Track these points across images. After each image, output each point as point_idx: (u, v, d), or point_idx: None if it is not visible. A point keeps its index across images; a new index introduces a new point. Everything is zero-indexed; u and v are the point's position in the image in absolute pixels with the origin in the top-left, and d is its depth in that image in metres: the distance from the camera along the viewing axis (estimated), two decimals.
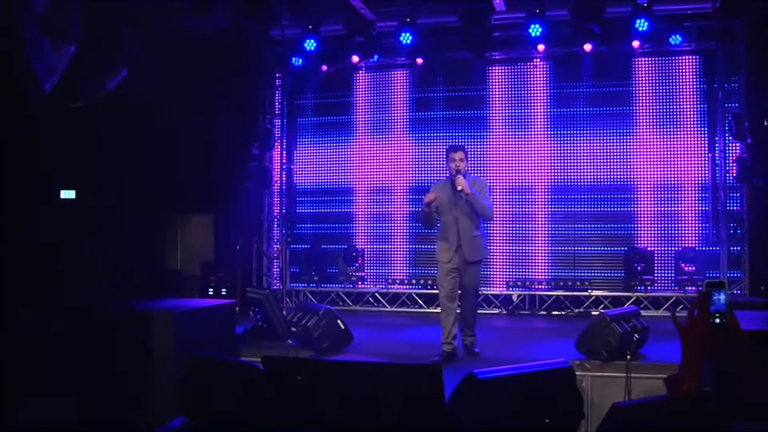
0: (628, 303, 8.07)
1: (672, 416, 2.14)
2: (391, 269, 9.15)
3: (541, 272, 8.70)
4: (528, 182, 8.77)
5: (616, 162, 8.54)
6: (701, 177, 8.33)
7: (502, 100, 8.92)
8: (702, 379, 2.06)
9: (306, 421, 2.95)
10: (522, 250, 8.77)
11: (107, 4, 6.60)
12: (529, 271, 8.73)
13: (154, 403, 4.98)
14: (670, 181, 8.40)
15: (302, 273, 9.36)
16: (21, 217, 6.12)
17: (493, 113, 8.94)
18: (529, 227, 8.76)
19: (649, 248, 8.35)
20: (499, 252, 8.77)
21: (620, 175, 8.53)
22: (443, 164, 7.63)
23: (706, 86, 8.36)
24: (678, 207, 8.39)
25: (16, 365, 5.08)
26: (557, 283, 8.57)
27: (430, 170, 9.01)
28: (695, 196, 8.35)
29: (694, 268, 8.09)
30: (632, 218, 8.50)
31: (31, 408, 4.96)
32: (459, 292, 6.07)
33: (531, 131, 8.81)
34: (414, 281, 8.95)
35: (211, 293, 8.55)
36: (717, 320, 2.14)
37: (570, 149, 8.66)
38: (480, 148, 8.85)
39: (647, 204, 8.47)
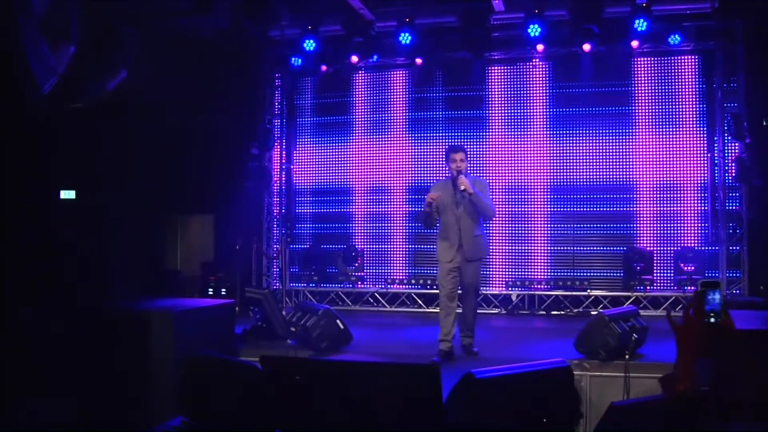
0: (628, 303, 8.07)
1: (670, 416, 2.14)
2: (390, 269, 9.16)
3: (541, 272, 8.71)
4: (527, 182, 8.78)
5: (615, 162, 8.55)
6: (700, 177, 8.33)
7: (501, 100, 8.92)
8: (696, 378, 2.07)
9: (304, 420, 2.96)
10: (521, 250, 8.78)
11: (107, 4, 6.60)
12: (528, 271, 8.74)
13: (154, 402, 4.99)
14: (670, 181, 8.40)
15: (302, 273, 9.37)
16: (21, 217, 6.12)
17: (492, 113, 8.95)
18: (528, 227, 8.77)
19: (648, 248, 8.36)
20: (499, 252, 8.78)
21: (619, 175, 8.54)
22: (442, 164, 7.65)
23: (705, 86, 8.37)
24: (677, 207, 8.40)
25: (16, 365, 5.08)
26: (556, 282, 8.58)
27: (430, 170, 9.02)
28: (694, 196, 8.36)
29: (693, 268, 8.09)
30: (631, 218, 8.51)
31: (31, 408, 4.97)
32: (459, 291, 6.10)
33: (530, 131, 8.82)
34: (413, 281, 8.97)
35: (210, 293, 8.56)
36: (712, 320, 2.15)
37: (569, 149, 8.66)
38: (479, 148, 8.85)
39: (646, 204, 8.47)
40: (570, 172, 8.65)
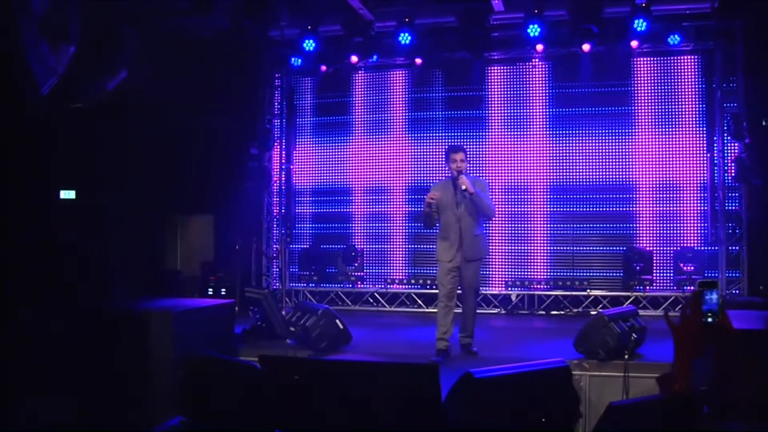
0: (627, 303, 8.08)
1: (667, 415, 2.15)
2: (389, 269, 9.17)
3: (540, 272, 8.72)
4: (527, 182, 8.78)
5: (615, 162, 8.55)
6: (700, 177, 8.34)
7: (500, 100, 8.93)
8: (693, 378, 2.08)
9: (303, 420, 2.97)
10: (521, 250, 8.78)
11: (107, 4, 6.61)
12: (528, 271, 8.74)
13: (153, 402, 5.00)
14: (669, 181, 8.41)
15: (301, 273, 9.38)
16: (21, 217, 6.13)
17: (491, 113, 8.95)
18: (528, 227, 8.77)
19: (647, 248, 8.36)
20: (498, 252, 8.78)
21: (619, 175, 8.54)
22: (442, 164, 7.66)
23: (704, 86, 8.37)
24: (677, 207, 8.40)
25: (16, 365, 5.09)
26: (556, 282, 8.58)
27: (429, 170, 9.02)
28: (694, 196, 8.36)
29: (692, 268, 8.10)
30: (631, 218, 8.51)
31: (31, 408, 4.97)
32: (459, 291, 6.11)
33: (530, 131, 8.82)
34: (413, 281, 8.97)
35: (210, 293, 8.57)
36: (709, 320, 2.16)
37: (568, 149, 8.67)
38: (479, 148, 8.86)
39: (646, 204, 8.48)
40: (569, 172, 8.66)
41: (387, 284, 9.09)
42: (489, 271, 8.70)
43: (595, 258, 8.55)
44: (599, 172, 8.59)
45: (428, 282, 8.74)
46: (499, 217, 8.53)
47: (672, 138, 8.42)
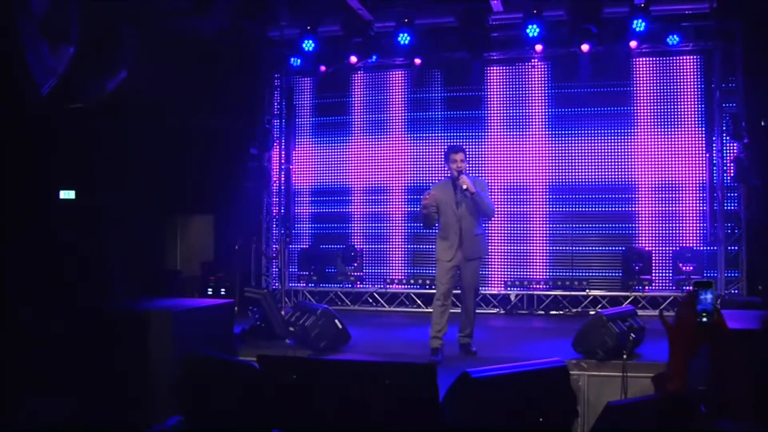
0: (626, 303, 8.09)
1: (662, 415, 2.16)
2: (389, 269, 9.18)
3: (539, 272, 8.73)
4: (526, 182, 8.79)
5: (614, 162, 8.56)
6: (699, 177, 8.35)
7: (500, 101, 8.94)
8: (688, 377, 2.09)
9: (301, 419, 2.98)
10: (520, 249, 8.79)
11: (107, 4, 6.62)
12: (527, 271, 8.76)
13: (153, 401, 5.01)
14: (668, 181, 8.42)
15: (301, 273, 9.39)
16: (21, 217, 6.14)
17: (491, 113, 8.96)
18: (527, 227, 8.78)
19: (646, 248, 8.37)
20: (498, 252, 8.79)
21: (618, 175, 8.55)
22: (441, 164, 7.67)
23: (703, 86, 8.38)
24: (676, 207, 8.41)
25: (16, 365, 5.10)
26: (555, 282, 8.59)
27: (428, 170, 9.04)
28: (693, 196, 8.38)
29: (691, 268, 8.11)
30: (630, 218, 8.52)
31: (31, 408, 4.98)
32: (458, 291, 6.13)
33: (529, 131, 8.83)
34: (412, 281, 8.98)
35: (210, 293, 8.58)
36: (704, 319, 2.17)
37: (568, 149, 8.68)
38: (478, 148, 8.87)
39: (645, 204, 8.49)
40: (568, 172, 8.67)
41: (386, 284, 9.10)
42: (488, 271, 8.71)
43: (594, 258, 8.57)
44: (598, 172, 8.60)
45: (427, 282, 8.76)
46: (498, 217, 8.54)
47: (671, 138, 8.43)
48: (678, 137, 8.42)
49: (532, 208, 8.79)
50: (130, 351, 5.12)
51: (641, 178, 8.49)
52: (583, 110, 8.63)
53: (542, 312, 8.53)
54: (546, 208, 8.75)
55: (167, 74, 7.58)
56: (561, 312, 8.48)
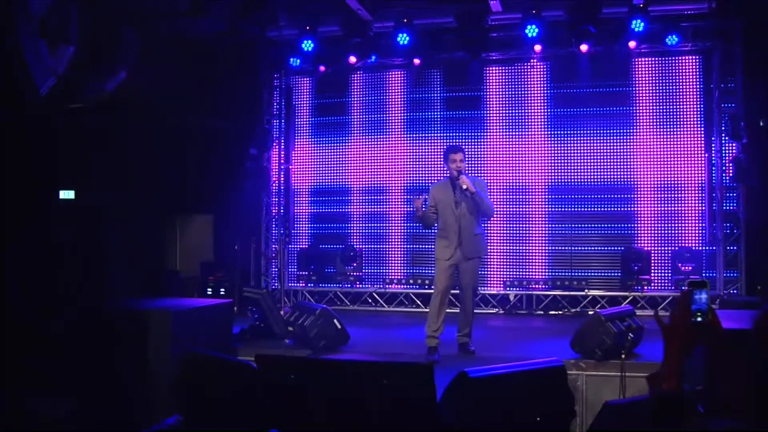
0: (625, 303, 8.09)
1: (656, 414, 2.17)
2: (388, 269, 9.19)
3: (539, 272, 8.74)
4: (525, 182, 8.80)
5: (613, 162, 8.57)
6: (698, 177, 8.35)
7: (499, 101, 8.95)
8: (687, 377, 2.10)
9: (298, 419, 2.98)
10: (519, 249, 8.80)
11: (107, 4, 6.63)
12: (526, 271, 8.76)
13: (152, 401, 5.02)
14: (668, 181, 8.43)
15: (300, 273, 9.40)
16: (20, 218, 6.15)
17: (490, 113, 8.97)
18: (526, 227, 8.79)
19: (646, 248, 8.38)
20: (497, 252, 8.80)
21: (617, 175, 8.56)
22: (440, 164, 7.68)
23: (702, 86, 8.39)
24: (675, 207, 8.42)
25: (15, 365, 5.11)
26: (554, 282, 8.60)
27: (427, 170, 9.04)
28: (692, 196, 8.38)
29: (690, 268, 8.12)
30: (629, 218, 8.53)
31: (31, 408, 4.99)
32: (457, 291, 6.13)
33: (528, 131, 8.84)
34: (411, 281, 8.99)
35: (209, 293, 8.59)
36: (698, 319, 2.18)
37: (567, 149, 8.69)
38: (477, 148, 8.88)
39: (644, 204, 8.50)
40: (568, 172, 8.68)
41: (385, 284, 9.11)
42: (487, 270, 8.72)
43: (593, 258, 8.58)
44: (597, 172, 8.61)
45: (426, 282, 8.76)
46: (497, 217, 8.55)
47: (670, 138, 8.44)
48: (677, 137, 8.43)
49: (531, 208, 8.79)
50: (129, 351, 5.13)
51: (640, 178, 8.50)
52: (582, 110, 8.64)
53: (541, 312, 8.54)
54: (545, 208, 8.76)
55: (167, 74, 7.59)
56: (560, 312, 8.49)
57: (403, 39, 8.11)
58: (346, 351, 6.17)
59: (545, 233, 8.74)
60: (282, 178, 9.59)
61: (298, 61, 8.73)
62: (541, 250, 8.75)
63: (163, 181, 8.47)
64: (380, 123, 9.30)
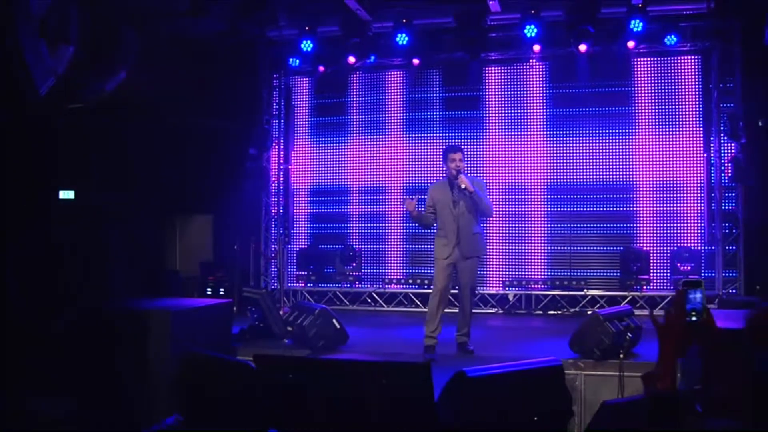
0: (624, 302, 8.10)
1: (652, 414, 2.19)
2: (387, 269, 9.20)
3: (538, 272, 8.75)
4: (524, 182, 8.81)
5: (612, 162, 8.58)
6: (697, 177, 8.36)
7: (498, 101, 8.96)
8: (677, 376, 2.12)
9: (297, 418, 2.99)
10: (518, 249, 8.81)
11: (107, 4, 6.64)
12: (525, 271, 8.78)
13: (152, 401, 5.03)
14: (667, 181, 8.44)
15: (299, 273, 9.41)
16: (20, 218, 6.16)
17: (489, 113, 8.98)
18: (525, 227, 8.80)
19: (645, 248, 8.39)
20: (496, 251, 8.81)
21: (616, 175, 8.57)
22: (439, 164, 7.68)
23: (701, 86, 8.40)
24: (674, 207, 8.43)
25: (15, 365, 5.12)
26: (554, 282, 8.61)
27: (427, 170, 9.06)
28: (691, 196, 8.39)
29: (689, 268, 8.12)
30: (628, 218, 8.54)
31: (31, 408, 5.00)
32: (456, 291, 6.15)
33: (527, 131, 8.85)
34: (410, 281, 9.00)
35: (209, 293, 8.60)
36: (693, 318, 2.19)
37: (566, 149, 8.70)
38: (476, 148, 8.89)
39: (643, 204, 8.51)
40: (567, 171, 8.69)
41: (384, 284, 9.12)
42: (486, 270, 8.73)
43: (592, 258, 8.59)
44: (596, 172, 8.62)
45: (425, 282, 8.77)
46: (496, 217, 8.56)
47: (670, 138, 8.45)
48: (676, 137, 8.44)
49: (531, 207, 8.81)
50: (129, 350, 5.14)
51: (639, 178, 8.51)
52: (581, 110, 8.65)
53: (540, 312, 8.55)
54: (544, 207, 8.77)
55: (167, 74, 7.60)
56: (559, 312, 8.50)
57: (402, 39, 8.12)
58: (345, 351, 6.18)
59: (544, 233, 8.75)
60: (281, 178, 9.60)
61: (298, 61, 8.74)
62: (540, 249, 8.76)
63: (163, 181, 8.48)
64: (379, 123, 9.31)
